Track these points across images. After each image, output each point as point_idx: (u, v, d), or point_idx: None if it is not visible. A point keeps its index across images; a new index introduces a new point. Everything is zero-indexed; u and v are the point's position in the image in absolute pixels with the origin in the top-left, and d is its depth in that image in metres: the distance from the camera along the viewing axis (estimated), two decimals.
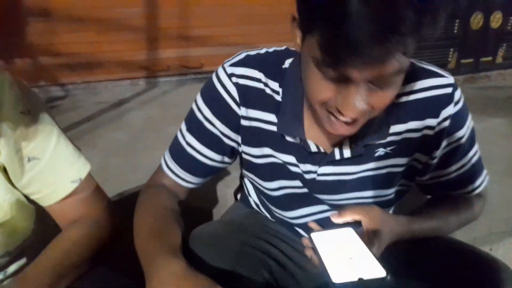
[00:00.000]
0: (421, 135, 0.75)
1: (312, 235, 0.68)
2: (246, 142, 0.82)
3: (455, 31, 4.62)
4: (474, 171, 0.83)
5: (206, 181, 0.90)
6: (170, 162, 0.87)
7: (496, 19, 4.75)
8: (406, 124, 0.75)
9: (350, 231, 0.68)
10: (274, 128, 0.78)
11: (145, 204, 0.80)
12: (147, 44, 3.25)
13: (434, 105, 0.73)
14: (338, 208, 0.80)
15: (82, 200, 0.78)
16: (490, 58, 4.95)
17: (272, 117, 0.78)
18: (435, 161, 0.79)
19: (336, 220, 0.72)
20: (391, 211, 0.91)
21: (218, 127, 0.80)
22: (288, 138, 0.78)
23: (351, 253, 0.62)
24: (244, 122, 0.79)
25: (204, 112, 0.80)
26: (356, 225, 0.71)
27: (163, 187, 0.86)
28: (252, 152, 0.82)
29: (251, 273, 0.74)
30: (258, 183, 0.86)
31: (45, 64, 3.01)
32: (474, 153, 0.82)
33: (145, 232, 0.72)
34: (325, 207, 0.84)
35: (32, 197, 0.75)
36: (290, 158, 0.79)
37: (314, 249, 0.66)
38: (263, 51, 0.79)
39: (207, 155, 0.83)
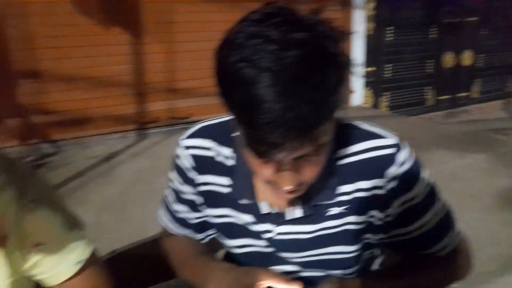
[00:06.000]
0: (371, 194, 0.76)
1: None
2: (206, 204, 0.88)
3: (430, 70, 4.82)
4: (440, 230, 0.81)
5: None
6: (170, 223, 0.94)
7: (467, 57, 5.00)
8: (354, 184, 0.77)
9: None
10: (229, 190, 0.84)
11: (174, 245, 0.96)
12: (136, 98, 3.35)
13: (376, 166, 0.75)
14: (305, 267, 0.84)
15: (85, 279, 0.80)
16: (466, 94, 5.16)
17: (226, 180, 0.84)
18: (391, 218, 0.78)
19: None
20: (376, 265, 0.93)
21: (191, 193, 0.88)
22: (242, 201, 0.83)
23: None
24: (201, 188, 0.87)
25: (177, 182, 0.90)
26: None
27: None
28: (212, 213, 0.88)
29: None
30: (224, 242, 0.91)
31: (36, 122, 3.07)
32: (437, 212, 0.80)
33: (185, 261, 0.90)
34: (295, 267, 0.86)
35: (35, 278, 0.77)
36: (249, 218, 0.83)
37: None
38: (218, 120, 0.87)
39: (195, 216, 0.91)
